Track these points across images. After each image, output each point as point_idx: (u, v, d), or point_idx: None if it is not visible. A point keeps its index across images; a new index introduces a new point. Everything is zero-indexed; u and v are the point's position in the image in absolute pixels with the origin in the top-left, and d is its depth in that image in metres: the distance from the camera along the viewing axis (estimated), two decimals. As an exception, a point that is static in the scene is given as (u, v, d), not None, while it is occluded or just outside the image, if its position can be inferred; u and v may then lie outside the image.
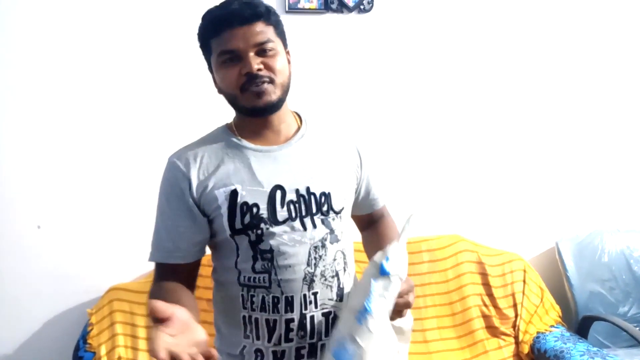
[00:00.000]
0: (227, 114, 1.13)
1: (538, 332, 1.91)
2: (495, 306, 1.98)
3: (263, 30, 1.01)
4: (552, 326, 1.93)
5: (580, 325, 1.99)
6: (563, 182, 2.21)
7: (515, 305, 1.98)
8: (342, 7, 1.96)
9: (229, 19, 1.00)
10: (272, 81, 1.02)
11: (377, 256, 0.99)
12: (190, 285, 1.09)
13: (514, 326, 1.96)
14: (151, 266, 1.91)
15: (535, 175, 2.19)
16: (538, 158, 2.19)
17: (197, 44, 1.08)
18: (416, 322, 1.82)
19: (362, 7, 1.97)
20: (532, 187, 2.20)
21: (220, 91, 1.08)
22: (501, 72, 2.11)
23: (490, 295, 1.99)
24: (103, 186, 1.88)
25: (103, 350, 1.75)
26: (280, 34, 1.07)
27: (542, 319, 1.95)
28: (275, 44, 1.03)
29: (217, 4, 1.03)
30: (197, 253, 1.09)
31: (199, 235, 1.06)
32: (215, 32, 1.02)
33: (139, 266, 1.90)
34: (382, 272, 0.94)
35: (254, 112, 1.05)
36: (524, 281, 2.00)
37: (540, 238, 2.21)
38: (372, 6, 1.98)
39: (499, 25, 2.09)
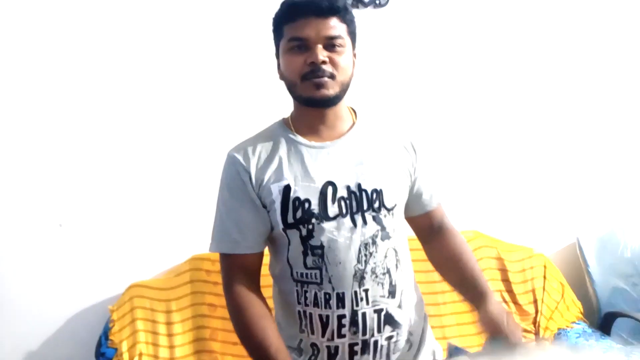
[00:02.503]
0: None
1: (559, 329, 1.88)
2: (515, 302, 1.95)
3: (336, 26, 1.05)
4: (573, 322, 1.90)
5: (603, 321, 1.95)
6: (584, 176, 2.17)
7: (535, 302, 1.95)
8: (358, 3, 1.94)
9: (306, 8, 1.04)
10: (333, 76, 1.05)
11: None
12: (257, 278, 1.13)
13: (535, 322, 1.93)
14: (170, 263, 1.96)
15: (556, 170, 2.15)
16: (558, 153, 2.15)
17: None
18: (435, 319, 1.82)
19: (377, 2, 1.96)
20: (552, 181, 2.16)
21: (282, 77, 1.12)
22: (519, 66, 2.08)
23: (510, 291, 1.96)
24: (124, 184, 1.90)
25: (125, 347, 1.77)
26: (352, 33, 1.11)
27: (563, 315, 1.92)
28: (345, 41, 1.07)
29: None
30: (263, 244, 1.13)
31: (263, 225, 1.10)
32: (290, 19, 1.06)
33: (159, 264, 1.92)
34: None
35: (310, 102, 1.08)
36: (545, 277, 1.98)
37: (560, 233, 2.18)
38: (387, 1, 1.96)
39: (519, 15, 2.05)
